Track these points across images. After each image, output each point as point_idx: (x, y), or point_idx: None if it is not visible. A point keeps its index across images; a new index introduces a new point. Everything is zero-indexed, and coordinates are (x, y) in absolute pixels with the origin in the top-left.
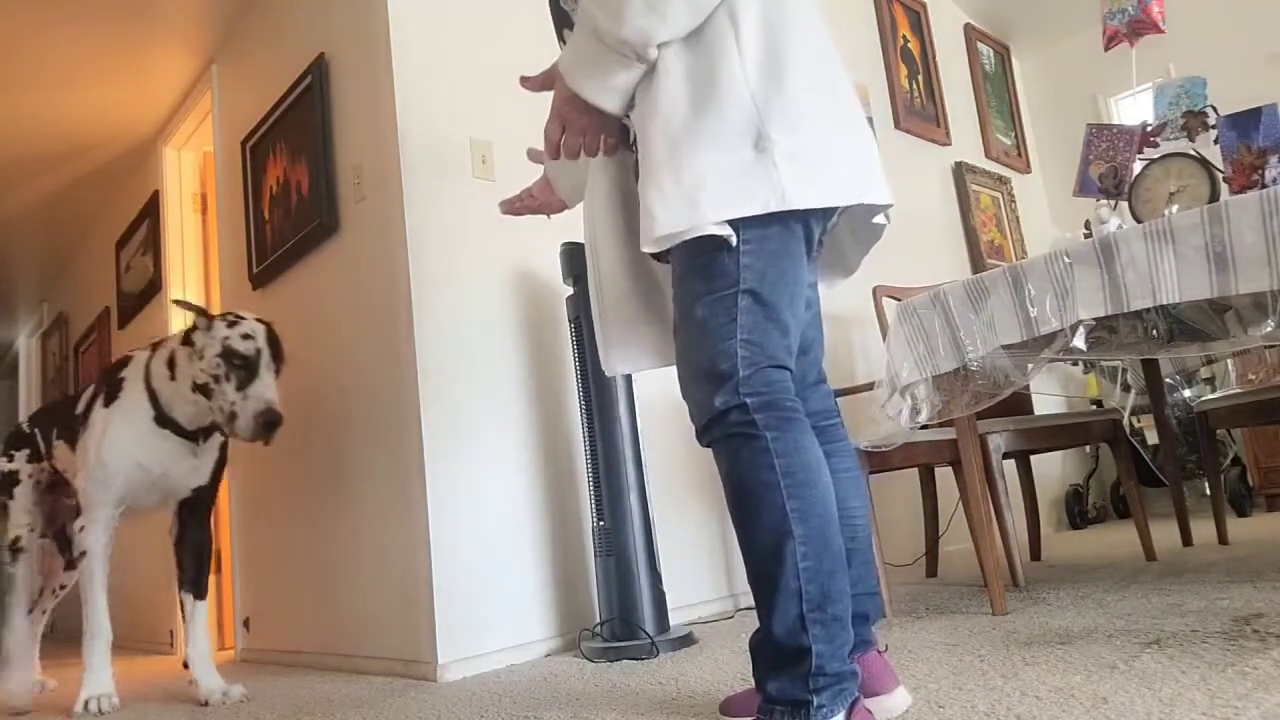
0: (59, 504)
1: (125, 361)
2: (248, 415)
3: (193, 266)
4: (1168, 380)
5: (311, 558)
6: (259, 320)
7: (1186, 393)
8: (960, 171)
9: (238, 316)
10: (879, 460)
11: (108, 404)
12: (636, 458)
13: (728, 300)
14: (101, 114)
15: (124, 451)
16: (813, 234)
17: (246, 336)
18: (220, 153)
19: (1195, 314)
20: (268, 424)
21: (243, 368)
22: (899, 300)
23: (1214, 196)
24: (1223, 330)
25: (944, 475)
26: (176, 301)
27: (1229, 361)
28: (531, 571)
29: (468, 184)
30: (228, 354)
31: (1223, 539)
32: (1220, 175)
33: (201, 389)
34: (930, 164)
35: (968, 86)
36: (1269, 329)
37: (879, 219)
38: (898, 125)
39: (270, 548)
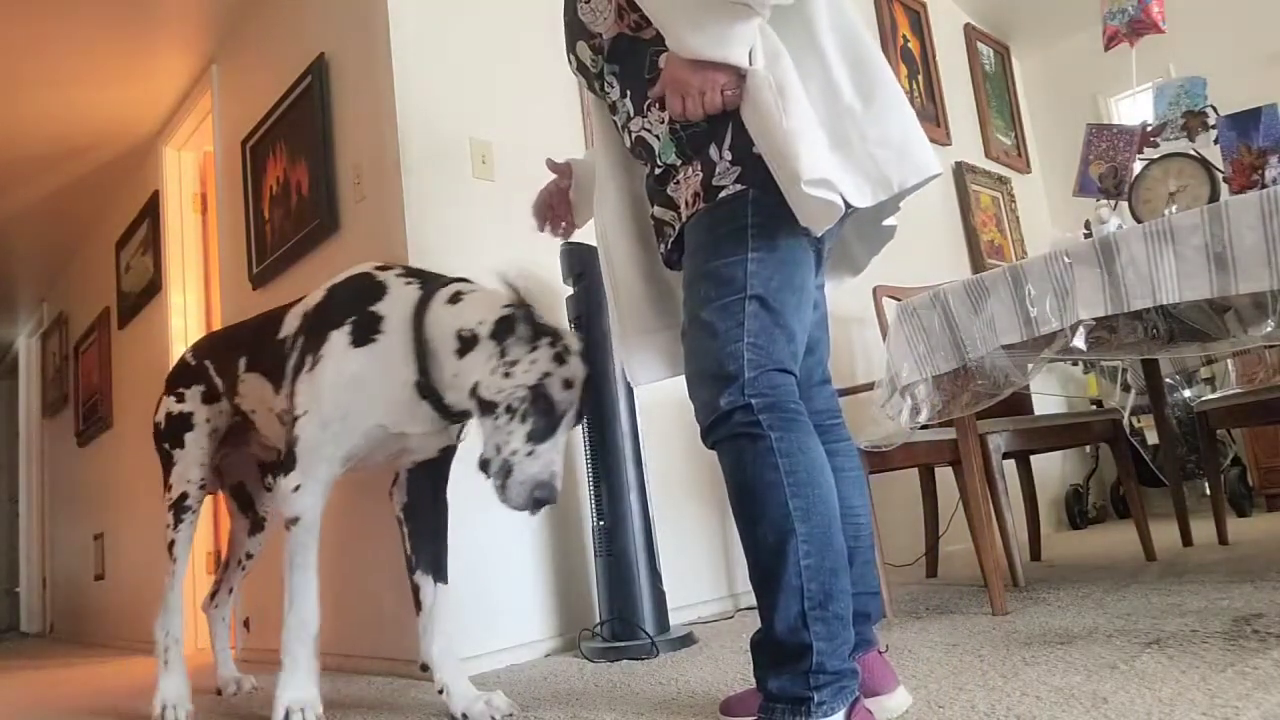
0: (239, 455)
1: (377, 289)
2: (526, 480)
3: (193, 266)
4: (1168, 380)
5: None
6: (582, 355)
7: (1186, 393)
8: (960, 171)
9: (566, 349)
10: (879, 460)
11: (357, 344)
12: (636, 458)
13: (735, 305)
14: (101, 114)
15: (368, 408)
16: (820, 242)
17: (568, 384)
18: (220, 153)
19: (1195, 314)
20: (541, 501)
21: (546, 416)
22: (899, 300)
23: (1214, 196)
24: (1223, 330)
25: (944, 475)
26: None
27: (1229, 361)
28: (531, 571)
29: (468, 184)
30: (538, 395)
31: (1223, 539)
32: (1220, 175)
33: (484, 405)
34: None
35: (968, 86)
36: (1269, 329)
37: (889, 221)
38: None
39: (270, 548)
